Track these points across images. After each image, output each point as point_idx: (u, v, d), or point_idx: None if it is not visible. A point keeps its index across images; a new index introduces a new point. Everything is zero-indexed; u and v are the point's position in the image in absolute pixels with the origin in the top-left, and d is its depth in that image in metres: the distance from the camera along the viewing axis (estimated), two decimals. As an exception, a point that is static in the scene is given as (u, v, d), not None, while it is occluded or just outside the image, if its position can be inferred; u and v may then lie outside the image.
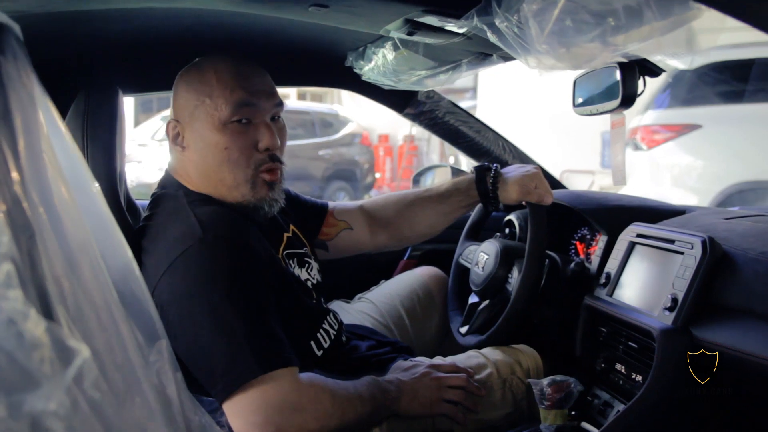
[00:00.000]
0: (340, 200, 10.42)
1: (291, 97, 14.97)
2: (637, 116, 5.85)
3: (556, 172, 2.61)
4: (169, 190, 1.56)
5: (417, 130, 12.79)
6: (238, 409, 1.30)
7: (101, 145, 1.64)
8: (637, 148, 5.82)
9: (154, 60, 1.90)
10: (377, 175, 12.94)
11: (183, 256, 1.38)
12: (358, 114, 12.19)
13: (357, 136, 11.85)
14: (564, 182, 2.51)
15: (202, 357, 1.34)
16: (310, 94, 16.08)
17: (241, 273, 1.39)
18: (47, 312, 0.65)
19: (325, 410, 1.36)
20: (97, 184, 0.90)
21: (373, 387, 1.48)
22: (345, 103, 14.53)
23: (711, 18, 1.02)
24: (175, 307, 1.36)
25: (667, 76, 5.76)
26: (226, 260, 1.39)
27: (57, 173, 0.77)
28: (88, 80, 1.70)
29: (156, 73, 1.93)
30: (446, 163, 2.65)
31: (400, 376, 1.56)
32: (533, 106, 9.52)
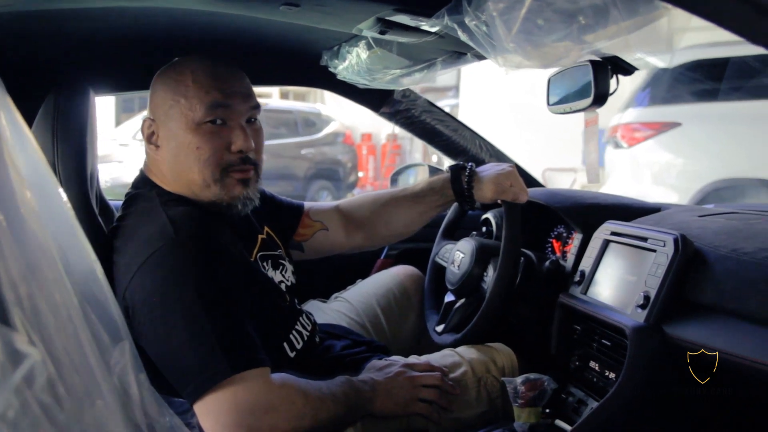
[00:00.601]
0: (323, 200, 10.44)
1: (273, 96, 14.92)
2: (618, 114, 5.88)
3: (538, 171, 2.62)
4: (142, 190, 1.56)
5: (400, 129, 12.80)
6: (210, 410, 1.29)
7: (72, 147, 1.62)
8: (617, 146, 5.84)
9: (127, 60, 1.88)
10: (360, 174, 12.93)
11: (154, 256, 1.37)
12: (341, 113, 12.17)
13: (340, 135, 11.83)
14: (546, 180, 2.53)
15: (173, 357, 1.33)
16: (293, 93, 16.04)
17: (213, 273, 1.39)
18: (2, 316, 0.64)
19: (298, 411, 1.36)
20: (60, 189, 0.89)
21: (346, 387, 1.47)
22: (328, 102, 14.49)
23: (680, 16, 1.03)
24: (146, 307, 1.36)
25: (646, 74, 5.80)
26: (198, 260, 1.39)
27: (19, 177, 0.77)
28: (59, 80, 1.68)
29: (129, 72, 1.91)
30: (424, 162, 2.65)
31: (374, 375, 1.56)
32: (516, 105, 9.54)
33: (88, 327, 0.79)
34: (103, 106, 12.03)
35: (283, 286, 1.65)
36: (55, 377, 0.64)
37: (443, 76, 1.81)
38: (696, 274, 1.37)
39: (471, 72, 11.34)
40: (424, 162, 2.43)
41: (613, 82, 1.49)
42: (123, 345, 0.86)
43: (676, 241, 1.41)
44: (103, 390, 0.77)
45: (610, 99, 1.50)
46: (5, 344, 0.55)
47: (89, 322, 0.80)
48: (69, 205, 0.89)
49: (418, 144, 13.57)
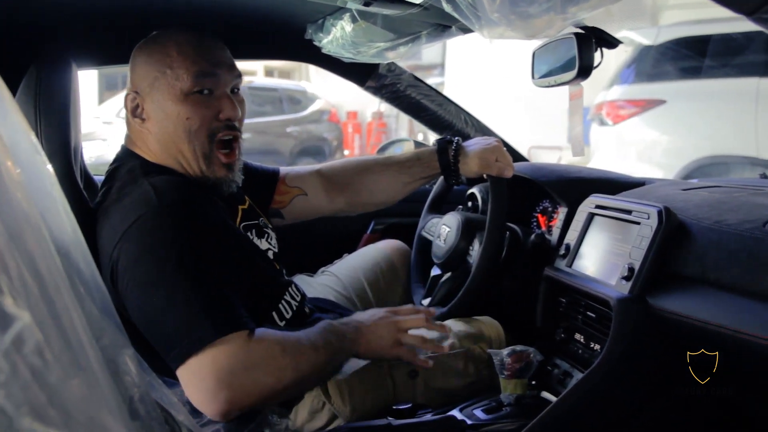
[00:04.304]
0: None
1: (258, 74, 14.83)
2: (603, 91, 5.88)
3: (523, 148, 2.62)
4: (125, 163, 1.55)
5: (385, 106, 12.76)
6: (193, 374, 1.29)
7: (54, 121, 1.61)
8: (602, 123, 5.85)
9: (110, 33, 1.85)
10: (346, 152, 12.91)
11: (137, 222, 1.37)
12: (327, 91, 12.12)
13: (325, 113, 11.79)
14: (531, 158, 2.53)
15: (156, 323, 1.34)
16: (277, 71, 15.95)
17: (196, 239, 1.39)
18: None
19: (278, 364, 1.33)
20: (44, 159, 0.89)
21: (327, 333, 1.44)
22: (313, 79, 14.41)
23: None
24: (130, 274, 1.36)
25: (632, 51, 5.81)
26: (180, 226, 1.39)
27: (3, 149, 0.76)
28: (40, 52, 1.66)
29: (111, 46, 1.89)
30: (409, 138, 2.65)
31: (357, 317, 1.54)
32: (501, 83, 9.52)
33: (74, 299, 0.79)
34: (86, 83, 11.92)
35: (270, 253, 1.66)
36: (42, 343, 0.63)
37: (429, 54, 1.81)
38: (679, 246, 1.38)
39: (457, 49, 11.31)
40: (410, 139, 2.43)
41: (597, 55, 1.49)
42: (112, 319, 0.85)
43: (660, 213, 1.42)
44: (91, 361, 0.77)
45: (595, 76, 1.50)
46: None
47: (76, 293, 0.80)
48: (54, 176, 0.89)
49: (404, 122, 13.54)
